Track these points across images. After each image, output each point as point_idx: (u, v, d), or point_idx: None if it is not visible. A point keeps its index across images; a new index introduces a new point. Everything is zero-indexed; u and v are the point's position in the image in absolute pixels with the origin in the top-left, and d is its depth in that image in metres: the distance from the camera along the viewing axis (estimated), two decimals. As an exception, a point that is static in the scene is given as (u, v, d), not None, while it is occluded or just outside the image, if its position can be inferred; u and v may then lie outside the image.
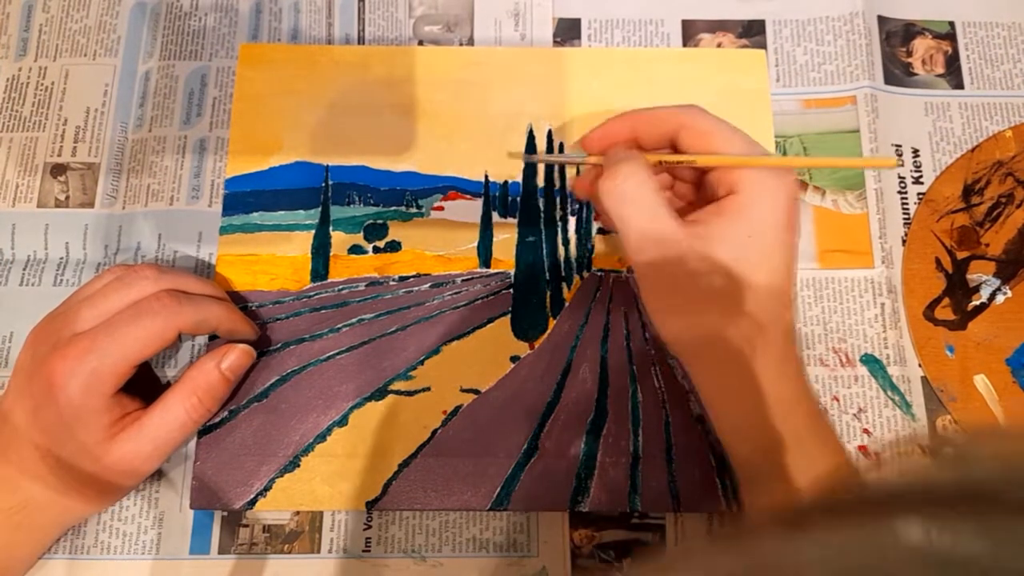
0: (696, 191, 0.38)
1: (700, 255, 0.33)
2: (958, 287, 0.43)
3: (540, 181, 0.44)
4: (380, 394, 0.40)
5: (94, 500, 0.37)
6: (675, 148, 0.36)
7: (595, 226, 0.44)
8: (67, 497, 0.36)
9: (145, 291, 0.36)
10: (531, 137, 0.45)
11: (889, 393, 0.41)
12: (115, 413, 0.35)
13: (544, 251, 0.43)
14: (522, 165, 0.44)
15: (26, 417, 0.34)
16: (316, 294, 0.42)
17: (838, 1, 0.48)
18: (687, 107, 0.36)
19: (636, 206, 0.34)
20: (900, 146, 0.45)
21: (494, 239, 0.43)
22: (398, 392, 0.41)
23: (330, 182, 0.44)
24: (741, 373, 0.34)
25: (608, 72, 0.46)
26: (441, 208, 0.44)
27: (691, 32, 0.48)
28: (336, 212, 0.43)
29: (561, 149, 0.45)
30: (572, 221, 0.44)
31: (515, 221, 0.44)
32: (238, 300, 0.41)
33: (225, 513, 0.39)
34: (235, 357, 0.38)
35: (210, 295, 0.38)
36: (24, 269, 0.43)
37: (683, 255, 0.33)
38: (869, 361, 0.42)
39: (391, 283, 0.42)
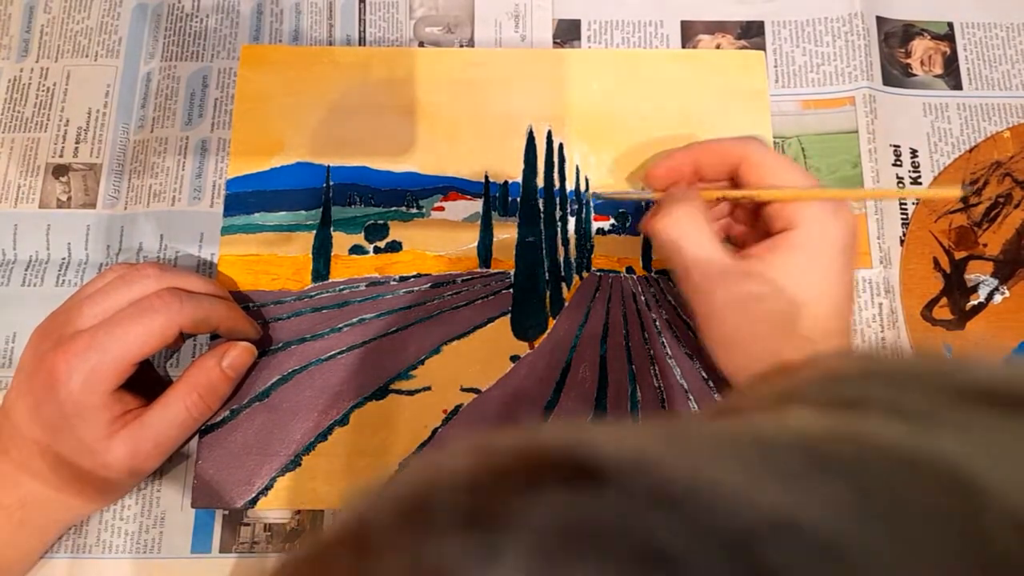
0: (754, 224, 0.39)
1: (753, 289, 0.34)
2: (956, 287, 0.43)
3: (540, 181, 0.44)
4: (381, 393, 0.41)
5: (94, 498, 0.37)
6: (735, 181, 0.37)
7: (595, 226, 0.44)
8: (67, 494, 0.36)
9: (147, 289, 0.36)
10: (531, 138, 0.45)
11: (887, 392, 0.42)
12: (115, 410, 0.35)
13: (544, 251, 0.43)
14: (522, 166, 0.44)
15: (27, 414, 0.35)
16: (317, 294, 0.42)
17: (837, 2, 0.48)
18: (748, 140, 0.37)
19: (687, 242, 0.35)
20: (899, 146, 0.46)
21: (494, 239, 0.43)
22: (399, 391, 0.41)
23: (331, 183, 0.44)
24: None
25: (608, 73, 0.46)
26: (441, 208, 0.44)
27: (690, 33, 0.48)
28: (337, 212, 0.44)
29: (561, 150, 0.45)
30: (572, 221, 0.44)
31: (515, 221, 0.44)
32: (240, 300, 0.41)
33: (226, 512, 0.40)
34: (236, 355, 0.38)
35: (212, 294, 0.38)
36: (26, 269, 0.43)
37: (735, 289, 0.34)
38: (867, 361, 0.42)
39: (392, 283, 0.43)
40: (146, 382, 0.38)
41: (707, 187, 0.38)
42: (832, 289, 0.34)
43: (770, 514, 0.10)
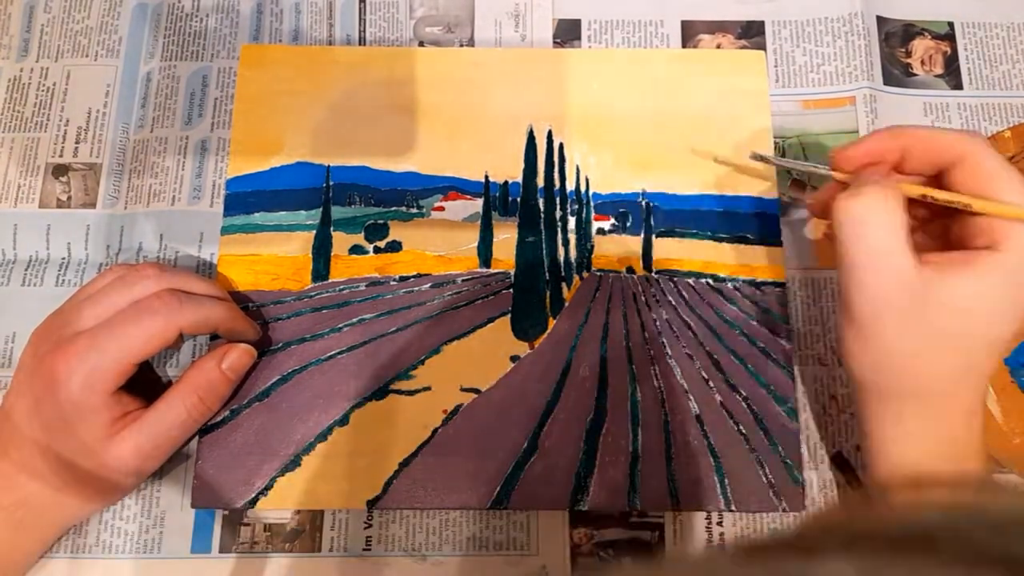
0: (944, 228, 0.35)
1: (928, 299, 0.31)
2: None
3: (540, 181, 0.44)
4: (381, 393, 0.41)
5: (94, 499, 0.37)
6: (940, 181, 0.33)
7: (595, 226, 0.44)
8: (67, 495, 0.36)
9: (147, 290, 0.36)
10: (531, 138, 0.45)
11: (888, 393, 0.42)
12: (115, 411, 0.35)
13: (544, 251, 0.43)
14: (522, 166, 0.44)
15: (27, 414, 0.35)
16: (317, 294, 0.42)
17: (837, 2, 0.48)
18: (971, 138, 0.33)
19: (874, 229, 0.31)
20: (899, 146, 0.46)
21: (494, 239, 0.43)
22: (399, 391, 0.41)
23: (331, 182, 0.44)
24: (922, 417, 0.33)
25: (608, 73, 0.46)
26: (441, 208, 0.44)
27: (690, 33, 0.48)
28: (337, 212, 0.44)
29: (561, 150, 0.45)
30: (572, 221, 0.44)
31: (515, 221, 0.44)
32: (239, 300, 0.41)
33: (226, 512, 0.40)
34: (236, 356, 0.38)
35: (212, 295, 0.38)
36: (26, 269, 0.43)
37: (912, 296, 0.31)
38: (868, 361, 0.42)
39: (392, 283, 0.43)
40: (146, 383, 0.38)
41: (906, 180, 0.34)
42: (1010, 324, 0.31)
43: None
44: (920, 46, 0.48)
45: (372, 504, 0.39)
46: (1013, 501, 0.16)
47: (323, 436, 0.40)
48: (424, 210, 0.44)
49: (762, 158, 0.41)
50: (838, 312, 0.36)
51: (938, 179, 0.34)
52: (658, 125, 0.45)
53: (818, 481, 0.40)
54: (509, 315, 0.42)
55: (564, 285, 0.43)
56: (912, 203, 0.33)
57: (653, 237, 0.44)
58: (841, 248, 0.32)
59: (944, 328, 0.31)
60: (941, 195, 0.32)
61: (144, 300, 0.35)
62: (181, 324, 0.36)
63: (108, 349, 0.34)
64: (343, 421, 0.40)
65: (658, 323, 0.42)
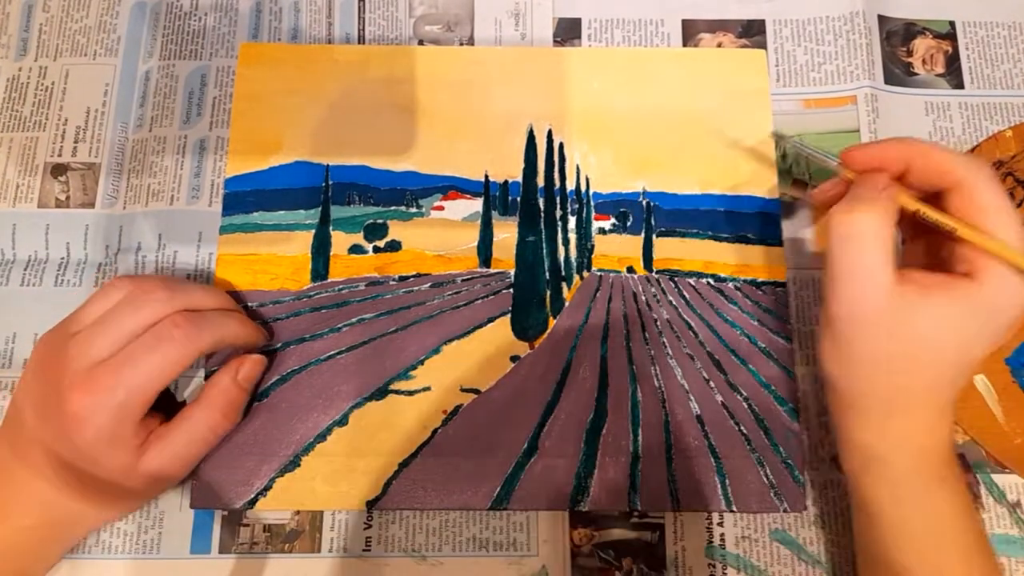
0: (929, 246, 0.36)
1: (903, 318, 0.32)
2: (958, 287, 0.43)
3: (540, 181, 0.44)
4: (380, 394, 0.41)
5: (122, 510, 0.38)
6: (937, 199, 0.34)
7: (595, 226, 0.44)
8: (93, 510, 0.36)
9: (158, 313, 0.35)
10: (531, 137, 0.45)
11: (889, 393, 0.41)
12: (141, 436, 0.35)
13: (544, 251, 0.43)
14: (522, 165, 0.44)
15: (55, 440, 0.34)
16: (316, 294, 0.42)
17: (838, 1, 0.48)
18: (974, 166, 0.33)
19: (860, 249, 0.32)
20: (900, 146, 0.45)
21: (494, 239, 0.43)
22: (398, 392, 0.41)
23: (330, 182, 0.44)
24: (884, 425, 0.34)
25: (608, 72, 0.46)
26: (441, 208, 0.44)
27: (691, 32, 0.48)
28: (336, 212, 0.43)
29: (561, 149, 0.45)
30: (572, 221, 0.44)
31: (515, 221, 0.44)
32: (238, 300, 0.41)
33: (226, 512, 0.39)
34: (248, 368, 0.39)
35: (221, 307, 0.38)
36: (25, 269, 0.43)
37: (884, 311, 0.32)
38: (869, 361, 0.42)
39: (391, 283, 0.43)
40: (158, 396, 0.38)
41: (906, 192, 0.34)
42: (975, 353, 0.32)
43: None
44: (921, 45, 0.48)
45: (372, 504, 0.39)
46: None
47: (322, 436, 0.40)
48: (424, 209, 0.44)
49: (782, 137, 0.42)
50: (820, 314, 0.36)
51: (936, 197, 0.34)
52: (658, 124, 0.45)
53: (819, 481, 0.40)
54: (509, 315, 0.42)
55: (564, 285, 0.43)
56: (902, 215, 0.34)
57: (654, 237, 0.43)
58: (829, 257, 0.33)
59: (915, 347, 0.32)
60: (932, 214, 0.33)
61: (160, 327, 0.35)
62: (201, 348, 0.35)
63: (132, 384, 0.34)
64: (343, 421, 0.40)
65: (659, 323, 0.42)
